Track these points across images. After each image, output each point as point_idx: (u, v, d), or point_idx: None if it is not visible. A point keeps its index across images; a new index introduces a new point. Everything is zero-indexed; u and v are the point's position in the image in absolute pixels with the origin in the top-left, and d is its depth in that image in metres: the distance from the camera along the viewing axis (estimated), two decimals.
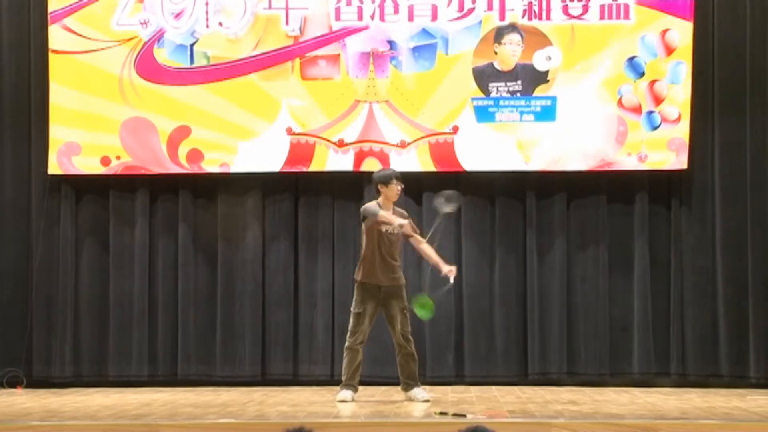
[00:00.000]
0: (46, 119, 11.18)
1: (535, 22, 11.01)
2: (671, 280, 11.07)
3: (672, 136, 10.93)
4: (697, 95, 10.97)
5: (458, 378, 11.13)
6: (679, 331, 11.02)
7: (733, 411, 8.91)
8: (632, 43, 10.95)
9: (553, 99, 10.99)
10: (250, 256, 11.25)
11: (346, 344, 9.56)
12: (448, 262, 11.10)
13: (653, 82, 10.94)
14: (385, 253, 9.47)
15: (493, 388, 10.79)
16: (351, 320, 9.55)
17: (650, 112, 10.93)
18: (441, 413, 8.50)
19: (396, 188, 9.53)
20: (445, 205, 9.59)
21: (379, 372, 10.98)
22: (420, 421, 8.28)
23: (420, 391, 9.56)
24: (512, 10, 11.02)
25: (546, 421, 8.07)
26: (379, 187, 9.57)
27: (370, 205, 9.52)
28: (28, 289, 11.23)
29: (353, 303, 9.58)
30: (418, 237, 9.66)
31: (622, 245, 11.14)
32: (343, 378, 9.57)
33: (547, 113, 10.98)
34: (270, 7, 11.11)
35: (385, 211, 9.48)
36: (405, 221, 9.49)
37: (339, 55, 11.08)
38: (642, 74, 10.94)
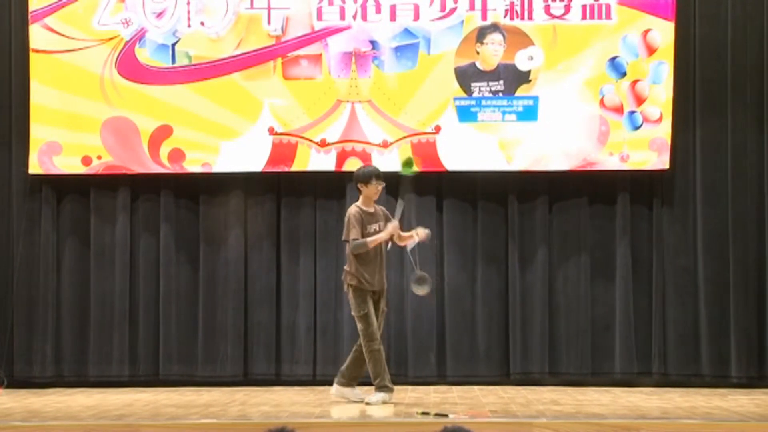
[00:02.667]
0: (26, 119, 11.14)
1: (517, 22, 11.02)
2: (653, 280, 11.09)
3: (654, 136, 10.96)
4: (678, 95, 11.00)
5: (440, 378, 11.13)
6: (660, 330, 11.04)
7: (714, 411, 8.94)
8: (614, 43, 10.97)
9: (535, 99, 11.00)
10: (233, 256, 11.23)
11: (366, 348, 9.23)
12: (430, 263, 11.17)
13: (635, 82, 10.96)
14: (374, 256, 9.33)
15: (475, 388, 10.79)
16: (360, 324, 9.27)
17: (632, 112, 10.96)
18: (423, 413, 8.51)
19: (377, 187, 9.39)
20: (418, 288, 9.49)
21: None
22: (402, 420, 8.27)
23: (358, 392, 9.47)
24: (494, 9, 11.03)
25: (528, 421, 8.08)
26: (359, 186, 9.45)
27: (355, 236, 9.24)
28: (9, 289, 11.20)
29: (354, 307, 9.31)
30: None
31: (604, 245, 11.15)
32: (376, 382, 9.27)
33: (529, 113, 10.99)
34: (252, 7, 11.09)
35: (366, 209, 9.39)
36: (389, 229, 9.27)
37: (321, 54, 11.07)
38: (624, 74, 10.97)
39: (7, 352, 11.13)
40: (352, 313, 9.37)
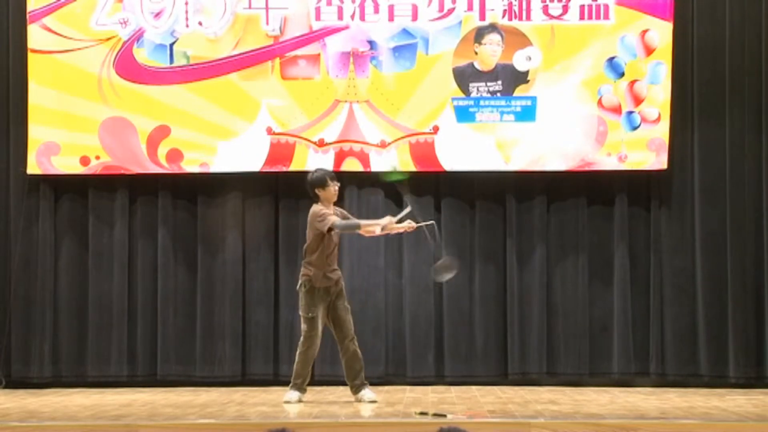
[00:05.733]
0: (25, 119, 11.13)
1: (515, 23, 11.02)
2: (651, 280, 11.09)
3: (652, 136, 10.96)
4: (676, 95, 11.01)
5: (438, 378, 11.13)
6: (658, 331, 11.05)
7: (712, 411, 8.93)
8: (612, 44, 10.98)
9: (533, 99, 11.00)
10: (231, 257, 11.23)
11: (302, 349, 9.38)
12: (428, 264, 11.17)
13: (633, 82, 10.96)
14: (330, 253, 9.39)
15: (474, 388, 10.79)
16: (304, 325, 9.37)
17: (630, 113, 10.96)
18: (421, 413, 8.50)
19: (333, 188, 9.39)
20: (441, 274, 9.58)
21: None
22: (399, 421, 8.27)
23: (368, 392, 9.46)
24: (492, 10, 11.03)
25: (526, 421, 8.06)
26: (316, 191, 9.39)
27: (334, 218, 9.27)
28: (7, 289, 11.19)
29: (304, 308, 9.36)
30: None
31: (602, 245, 11.16)
32: (297, 381, 9.46)
33: (527, 113, 11.00)
34: (250, 7, 11.09)
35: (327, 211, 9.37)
36: (386, 220, 9.34)
37: (319, 54, 11.07)
38: (622, 74, 10.97)
39: (5, 352, 11.13)
40: (300, 313, 9.40)
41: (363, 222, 9.45)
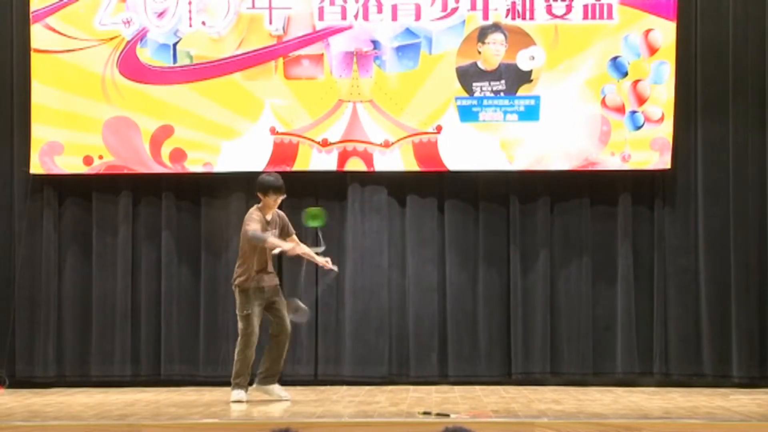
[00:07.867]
0: (28, 119, 11.14)
1: (518, 22, 11.02)
2: (654, 279, 11.09)
3: (655, 135, 10.96)
4: (680, 95, 11.00)
5: (442, 378, 11.12)
6: (662, 330, 11.04)
7: (715, 410, 8.93)
8: (615, 43, 10.97)
9: (537, 98, 10.99)
10: (234, 257, 11.19)
11: (240, 348, 9.46)
12: (432, 263, 11.17)
13: (636, 81, 10.96)
14: (260, 257, 9.50)
15: (477, 387, 10.79)
16: (240, 324, 9.48)
17: (633, 112, 10.95)
18: (425, 413, 8.50)
19: (272, 200, 9.51)
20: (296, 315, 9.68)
21: (361, 372, 10.99)
22: (403, 420, 8.27)
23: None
24: (496, 9, 11.02)
25: (529, 421, 8.07)
26: (258, 193, 9.56)
27: (256, 227, 9.39)
28: (11, 289, 11.19)
29: (238, 307, 9.52)
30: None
31: (606, 245, 11.15)
32: (237, 380, 9.49)
33: (530, 113, 10.99)
34: (253, 7, 11.09)
35: (264, 216, 9.49)
36: (290, 246, 9.54)
37: (323, 54, 11.07)
38: (625, 74, 10.96)
39: (9, 352, 11.12)
40: (236, 312, 9.53)
41: (271, 240, 9.44)
